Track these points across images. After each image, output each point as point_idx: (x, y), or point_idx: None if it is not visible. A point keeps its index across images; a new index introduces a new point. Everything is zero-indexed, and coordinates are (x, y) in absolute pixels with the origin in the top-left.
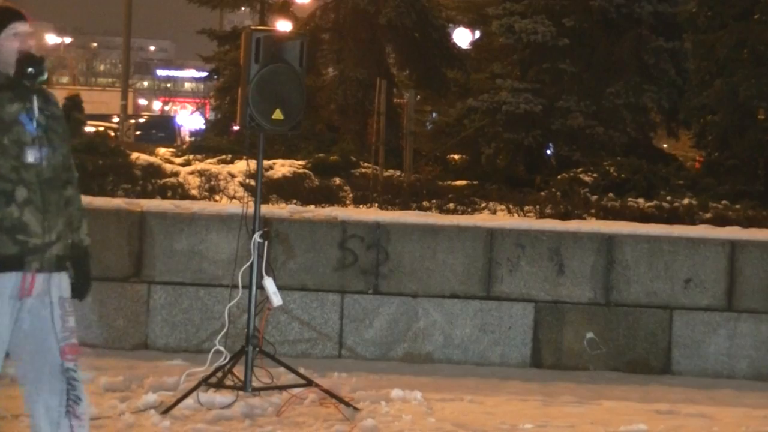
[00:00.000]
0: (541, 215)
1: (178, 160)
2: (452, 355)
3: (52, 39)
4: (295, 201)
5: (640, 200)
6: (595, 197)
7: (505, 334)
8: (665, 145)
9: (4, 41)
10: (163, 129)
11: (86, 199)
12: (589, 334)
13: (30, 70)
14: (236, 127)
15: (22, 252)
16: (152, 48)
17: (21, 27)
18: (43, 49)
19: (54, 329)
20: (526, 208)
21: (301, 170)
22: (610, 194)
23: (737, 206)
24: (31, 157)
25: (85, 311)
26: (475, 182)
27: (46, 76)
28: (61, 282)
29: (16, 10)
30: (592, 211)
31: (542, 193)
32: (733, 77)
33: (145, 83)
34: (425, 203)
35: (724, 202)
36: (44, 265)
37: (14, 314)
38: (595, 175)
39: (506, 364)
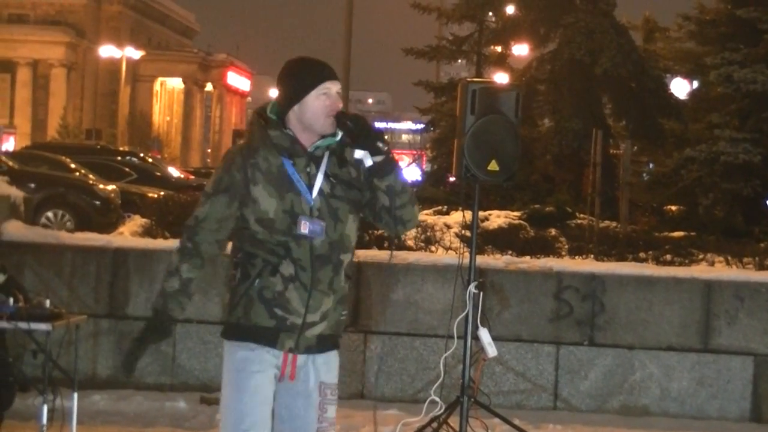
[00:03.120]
0: (761, 267)
1: None
2: (669, 408)
3: (273, 93)
4: (510, 252)
5: None
6: None
7: (724, 387)
8: None
9: (312, 100)
10: None
11: None
12: None
13: (341, 132)
14: (452, 178)
15: (277, 327)
16: (370, 100)
17: (333, 87)
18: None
19: (311, 418)
20: (745, 259)
21: (517, 221)
22: None
23: None
24: (304, 228)
25: None
26: (692, 233)
27: (338, 137)
28: (324, 365)
29: (329, 68)
30: None
31: (761, 245)
32: None
33: None
34: (641, 254)
35: None
36: (299, 346)
37: (272, 387)
38: None
39: (724, 418)
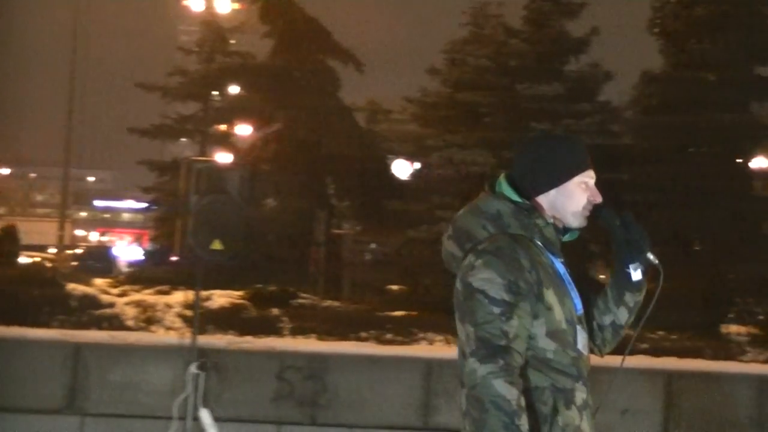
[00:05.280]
0: None
1: (115, 291)
2: None
3: None
4: (232, 332)
5: None
6: None
7: None
8: None
9: (574, 186)
10: (100, 260)
11: (19, 330)
12: None
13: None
14: (174, 258)
15: None
16: (91, 179)
17: (593, 176)
18: None
19: None
20: None
21: (239, 300)
22: None
23: None
24: (580, 341)
25: None
26: (413, 313)
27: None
28: None
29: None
30: None
31: None
32: None
33: (83, 213)
34: (363, 334)
35: None
36: None
37: None
38: None
39: None
